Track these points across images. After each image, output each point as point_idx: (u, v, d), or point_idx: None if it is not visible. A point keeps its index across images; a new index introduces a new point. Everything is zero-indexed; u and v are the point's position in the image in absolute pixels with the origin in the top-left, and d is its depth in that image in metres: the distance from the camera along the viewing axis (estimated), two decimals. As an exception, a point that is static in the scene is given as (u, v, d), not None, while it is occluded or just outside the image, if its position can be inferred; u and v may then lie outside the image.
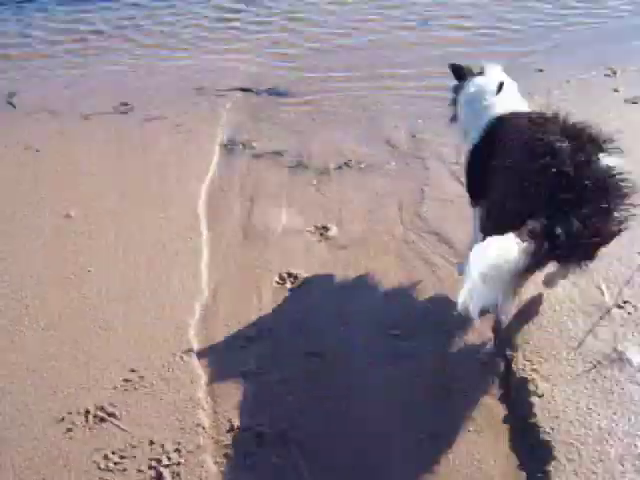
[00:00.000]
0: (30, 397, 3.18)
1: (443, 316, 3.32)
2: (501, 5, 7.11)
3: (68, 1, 8.65)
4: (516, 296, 2.93)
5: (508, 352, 3.16)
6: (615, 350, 3.07)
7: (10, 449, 2.94)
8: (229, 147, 5.23)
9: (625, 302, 3.33)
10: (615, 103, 5.20)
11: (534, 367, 3.06)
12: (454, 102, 3.67)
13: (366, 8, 7.45)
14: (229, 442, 2.90)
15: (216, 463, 2.82)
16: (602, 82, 5.54)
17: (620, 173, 2.64)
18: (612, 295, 3.38)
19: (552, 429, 2.77)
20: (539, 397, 2.92)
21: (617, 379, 2.94)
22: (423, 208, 4.23)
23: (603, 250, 2.77)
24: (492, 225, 2.87)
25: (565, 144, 2.66)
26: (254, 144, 5.22)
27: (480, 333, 3.27)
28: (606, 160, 2.67)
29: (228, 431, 2.95)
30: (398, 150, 4.98)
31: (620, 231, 2.67)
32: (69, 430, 3.01)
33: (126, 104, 6.08)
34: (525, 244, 2.47)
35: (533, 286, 3.31)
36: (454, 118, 3.69)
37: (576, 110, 2.72)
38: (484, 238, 2.60)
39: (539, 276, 3.16)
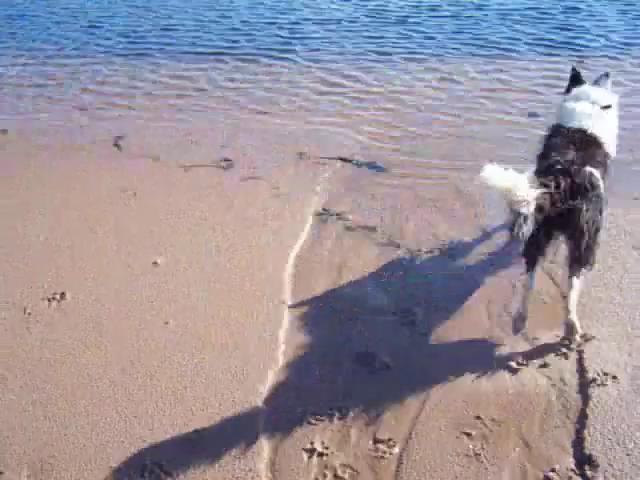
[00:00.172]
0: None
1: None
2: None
3: (176, 57, 9.19)
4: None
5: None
6: None
7: None
8: (323, 216, 5.21)
9: None
10: None
11: None
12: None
13: (473, 96, 7.45)
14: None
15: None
16: None
17: None
18: None
19: None
20: None
21: None
22: (510, 309, 4.06)
23: None
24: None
25: None
26: (348, 216, 5.19)
27: None
28: None
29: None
30: (493, 240, 4.83)
31: None
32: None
33: (227, 160, 6.21)
34: None
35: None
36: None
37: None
38: None
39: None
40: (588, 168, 3.67)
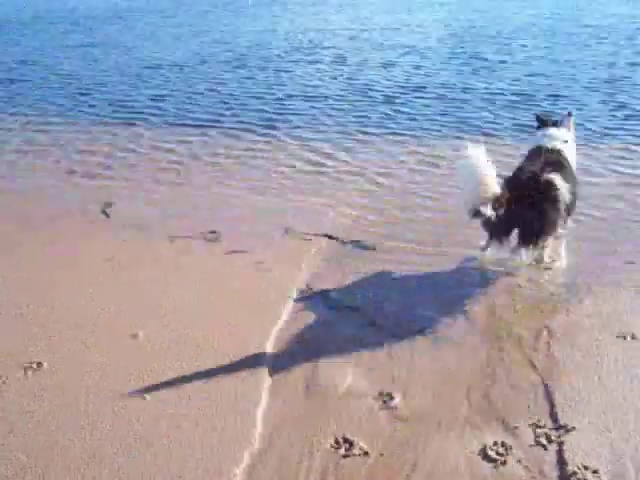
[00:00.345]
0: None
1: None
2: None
3: (164, 128, 9.45)
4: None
5: None
6: None
7: None
8: (306, 293, 5.19)
9: None
10: None
11: None
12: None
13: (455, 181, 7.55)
14: None
15: None
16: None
17: None
18: None
19: None
20: None
21: None
22: (493, 392, 4.05)
23: None
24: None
25: None
26: (331, 295, 5.18)
27: None
28: None
29: None
30: (476, 325, 4.83)
31: None
32: None
33: (213, 232, 6.25)
34: None
35: None
36: None
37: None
38: None
39: None
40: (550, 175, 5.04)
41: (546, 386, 4.00)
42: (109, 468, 3.43)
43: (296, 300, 5.11)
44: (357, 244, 6.05)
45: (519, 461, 3.48)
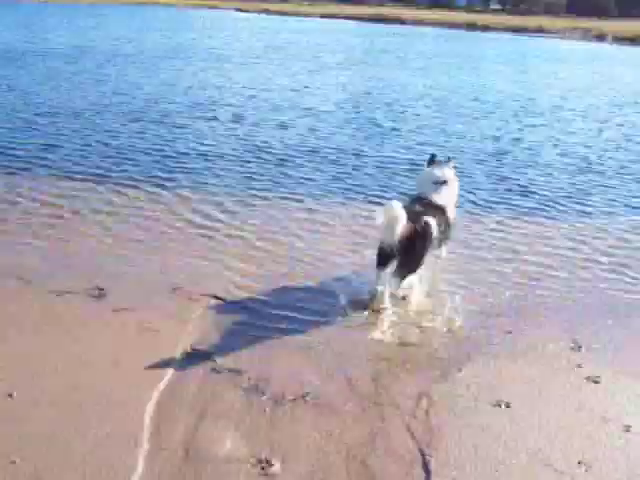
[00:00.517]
0: None
1: None
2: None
3: (57, 177, 9.35)
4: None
5: None
6: None
7: None
8: (190, 356, 5.13)
9: None
10: (575, 378, 5.21)
11: None
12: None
13: (344, 242, 7.75)
14: None
15: None
16: (567, 354, 5.58)
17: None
18: None
19: None
20: None
21: None
22: (371, 460, 4.13)
23: None
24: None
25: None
26: (216, 357, 5.13)
27: None
28: None
29: None
30: (357, 391, 4.86)
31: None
32: None
33: (100, 289, 6.11)
34: None
35: None
36: None
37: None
38: None
39: None
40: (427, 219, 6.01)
41: (423, 454, 4.09)
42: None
43: (180, 362, 5.04)
44: (243, 306, 6.04)
45: None
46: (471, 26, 75.66)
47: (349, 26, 69.15)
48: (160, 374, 4.85)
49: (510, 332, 5.86)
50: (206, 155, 11.05)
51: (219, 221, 8.13)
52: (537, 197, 9.90)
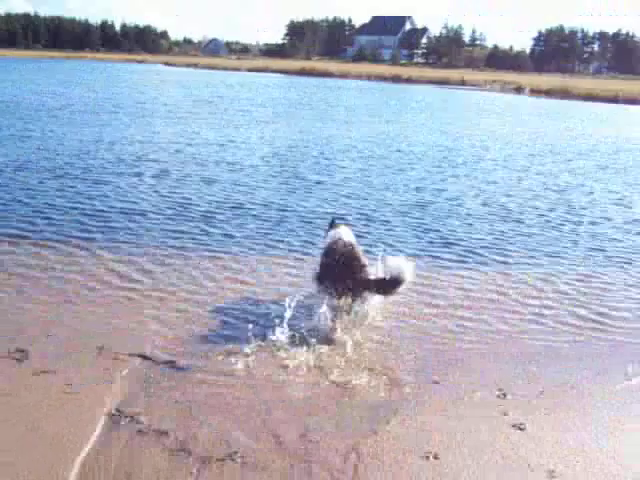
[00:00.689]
0: None
1: None
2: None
3: None
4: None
5: None
6: None
7: None
8: (115, 417, 5.05)
9: None
10: (501, 426, 5.31)
11: None
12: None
13: (266, 299, 7.72)
14: None
15: None
16: (493, 403, 5.68)
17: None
18: None
19: None
20: None
21: None
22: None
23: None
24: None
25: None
26: (141, 418, 5.06)
27: None
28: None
29: None
30: (285, 448, 4.85)
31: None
32: None
33: (22, 350, 5.98)
34: None
35: None
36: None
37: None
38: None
39: None
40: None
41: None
42: None
43: (104, 425, 4.95)
44: (170, 364, 5.98)
45: None
46: (396, 79, 77.61)
47: (277, 80, 70.08)
48: (83, 439, 4.75)
49: (437, 382, 5.96)
50: (127, 213, 10.91)
51: (145, 277, 8.05)
52: (458, 248, 10.10)
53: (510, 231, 11.27)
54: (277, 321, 6.75)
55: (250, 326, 6.72)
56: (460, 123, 31.35)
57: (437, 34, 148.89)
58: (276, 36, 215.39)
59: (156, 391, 5.53)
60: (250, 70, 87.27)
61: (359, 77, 79.45)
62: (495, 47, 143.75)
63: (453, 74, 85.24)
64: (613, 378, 6.28)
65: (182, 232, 9.97)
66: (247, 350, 6.31)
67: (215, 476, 4.48)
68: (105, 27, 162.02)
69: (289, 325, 6.71)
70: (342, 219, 8.03)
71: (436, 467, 4.70)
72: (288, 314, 6.71)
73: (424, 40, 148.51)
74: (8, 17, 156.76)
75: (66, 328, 6.62)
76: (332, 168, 16.31)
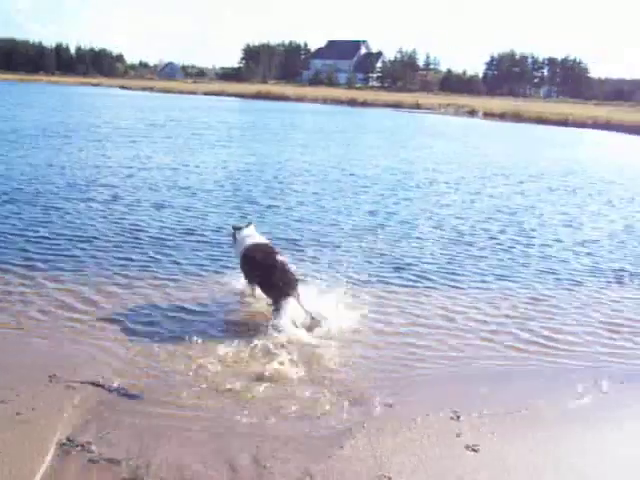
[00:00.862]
0: None
1: None
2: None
3: None
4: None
5: None
6: None
7: None
8: (65, 447, 4.99)
9: None
10: (455, 447, 5.38)
11: None
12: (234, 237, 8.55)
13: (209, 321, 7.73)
14: None
15: None
16: (446, 424, 5.74)
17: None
18: None
19: None
20: None
21: None
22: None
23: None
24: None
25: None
26: (93, 447, 5.01)
27: None
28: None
29: None
30: (240, 475, 4.84)
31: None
32: None
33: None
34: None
35: None
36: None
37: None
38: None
39: None
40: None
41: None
42: None
43: (55, 454, 4.89)
44: (123, 392, 5.93)
45: None
46: (352, 102, 78.26)
47: (233, 103, 70.13)
48: (33, 470, 4.69)
49: (391, 406, 6.00)
50: (80, 237, 10.80)
51: (94, 305, 7.93)
52: (409, 272, 10.16)
53: (461, 254, 11.40)
54: (226, 349, 6.74)
55: (200, 351, 6.73)
56: (414, 146, 31.72)
57: (392, 58, 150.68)
58: (232, 60, 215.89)
59: (108, 419, 5.49)
60: (206, 94, 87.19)
61: (315, 100, 79.91)
62: (449, 71, 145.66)
63: (408, 97, 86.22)
64: (564, 398, 6.40)
65: (130, 259, 9.84)
66: (200, 376, 6.30)
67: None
68: (60, 50, 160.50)
69: (239, 353, 6.75)
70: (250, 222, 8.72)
71: (390, 490, 4.72)
72: (237, 342, 6.70)
73: (379, 64, 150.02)
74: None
75: (15, 357, 6.53)
76: (285, 192, 16.35)
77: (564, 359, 7.35)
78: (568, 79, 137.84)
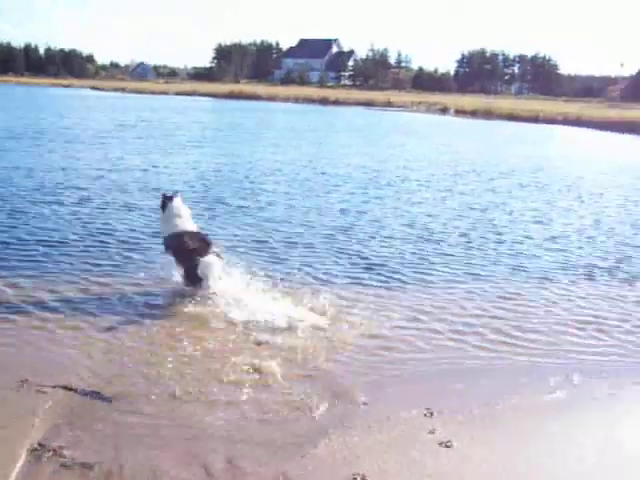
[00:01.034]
0: None
1: None
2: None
3: None
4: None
5: None
6: None
7: None
8: (37, 452, 4.94)
9: None
10: (428, 444, 5.40)
11: None
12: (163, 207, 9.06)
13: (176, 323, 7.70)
14: None
15: None
16: (419, 421, 5.77)
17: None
18: None
19: None
20: None
21: None
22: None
23: None
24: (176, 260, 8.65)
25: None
26: (65, 451, 4.97)
27: None
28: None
29: None
30: (214, 477, 4.83)
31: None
32: None
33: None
34: None
35: None
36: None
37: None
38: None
39: None
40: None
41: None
42: None
43: (26, 460, 4.85)
44: (95, 396, 5.89)
45: None
46: (324, 101, 78.31)
47: (205, 103, 69.85)
48: (5, 475, 4.65)
49: (364, 404, 6.04)
50: (45, 241, 10.61)
51: (57, 312, 7.77)
52: (380, 270, 10.18)
53: (432, 251, 11.43)
54: (201, 349, 6.72)
55: (171, 353, 6.70)
56: (386, 144, 31.80)
57: (363, 56, 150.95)
58: (204, 60, 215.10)
59: (80, 423, 5.45)
60: (178, 94, 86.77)
61: (287, 100, 79.84)
62: (420, 69, 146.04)
63: (380, 96, 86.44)
64: (537, 392, 6.48)
65: (100, 260, 9.76)
66: (172, 378, 6.29)
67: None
68: (29, 50, 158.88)
69: (213, 353, 6.79)
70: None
71: (364, 488, 4.75)
72: (212, 342, 6.68)
73: (351, 62, 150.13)
74: None
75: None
76: (256, 192, 16.30)
77: (534, 353, 7.44)
78: (539, 76, 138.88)
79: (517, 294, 9.39)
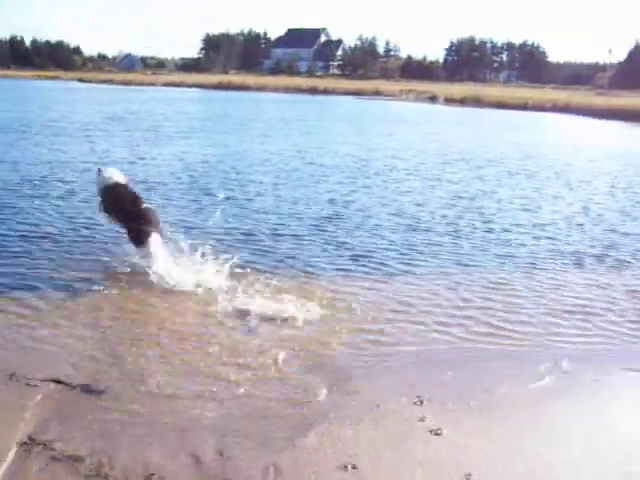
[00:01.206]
0: None
1: None
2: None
3: None
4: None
5: None
6: None
7: None
8: (27, 446, 4.93)
9: None
10: (419, 432, 5.42)
11: None
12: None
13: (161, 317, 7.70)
14: None
15: None
16: (409, 410, 5.78)
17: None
18: None
19: None
20: None
21: None
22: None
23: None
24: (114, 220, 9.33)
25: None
26: (55, 445, 4.96)
27: None
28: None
29: None
30: (204, 468, 4.83)
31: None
32: None
33: None
34: None
35: None
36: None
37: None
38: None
39: None
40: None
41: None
42: None
43: (16, 454, 4.84)
44: (84, 388, 5.88)
45: None
46: (313, 90, 78.25)
47: (193, 94, 69.62)
48: (-6, 468, 4.63)
49: (355, 392, 6.05)
50: (28, 236, 10.48)
51: (42, 307, 7.71)
52: (367, 260, 10.16)
53: (420, 241, 11.41)
54: (189, 343, 6.71)
55: (159, 347, 6.70)
56: (375, 133, 31.82)
57: (352, 45, 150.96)
58: (192, 50, 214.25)
59: (70, 416, 5.44)
60: (166, 85, 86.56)
61: (276, 90, 79.77)
62: (409, 58, 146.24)
63: (368, 85, 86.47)
64: (525, 379, 6.50)
65: (84, 254, 9.68)
66: (160, 370, 6.28)
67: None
68: (14, 43, 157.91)
69: (202, 346, 6.76)
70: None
71: (354, 477, 4.77)
72: (200, 336, 6.66)
73: (339, 52, 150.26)
74: None
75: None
76: (244, 183, 16.25)
77: (522, 341, 7.46)
78: (527, 64, 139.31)
79: (505, 282, 9.39)
